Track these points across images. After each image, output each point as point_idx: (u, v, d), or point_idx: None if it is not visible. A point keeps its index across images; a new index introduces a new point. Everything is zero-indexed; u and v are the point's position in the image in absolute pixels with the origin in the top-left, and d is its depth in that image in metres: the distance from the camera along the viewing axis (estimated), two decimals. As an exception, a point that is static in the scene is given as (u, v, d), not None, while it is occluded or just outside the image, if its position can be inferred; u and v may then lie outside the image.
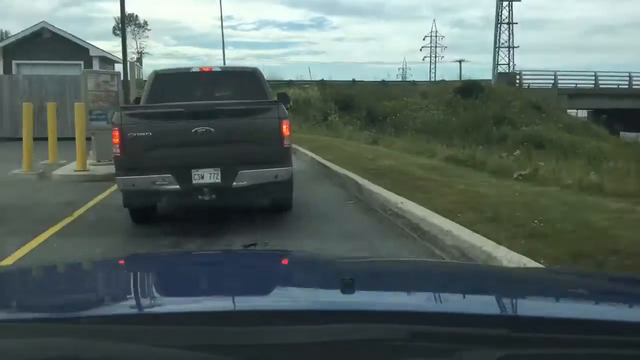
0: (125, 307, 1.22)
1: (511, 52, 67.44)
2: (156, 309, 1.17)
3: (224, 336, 0.93)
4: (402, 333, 0.92)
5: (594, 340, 0.95)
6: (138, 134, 5.71)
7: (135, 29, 55.45)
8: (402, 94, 34.88)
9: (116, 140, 5.73)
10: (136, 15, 55.07)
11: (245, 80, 7.39)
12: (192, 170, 5.69)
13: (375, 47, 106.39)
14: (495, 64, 65.75)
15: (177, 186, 5.68)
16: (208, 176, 5.74)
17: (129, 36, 53.67)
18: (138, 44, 54.72)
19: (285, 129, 5.95)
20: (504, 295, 1.33)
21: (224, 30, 67.80)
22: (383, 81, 37.90)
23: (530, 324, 0.99)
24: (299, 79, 37.81)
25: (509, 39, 68.85)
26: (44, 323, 0.98)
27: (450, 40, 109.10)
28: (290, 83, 35.44)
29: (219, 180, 5.75)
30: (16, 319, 1.06)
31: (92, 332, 0.92)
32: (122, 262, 1.91)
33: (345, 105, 31.94)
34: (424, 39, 74.86)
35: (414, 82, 39.11)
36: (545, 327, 0.97)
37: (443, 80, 38.27)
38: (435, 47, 69.20)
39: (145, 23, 55.89)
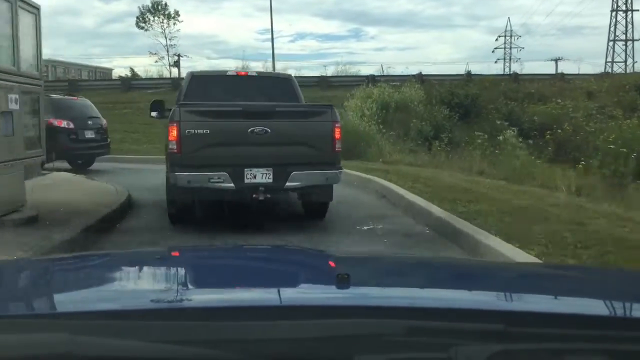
0: (122, 302, 1.17)
1: (630, 45, 52.67)
2: (151, 305, 1.11)
3: (219, 331, 0.91)
4: (398, 328, 0.91)
5: (590, 335, 0.94)
6: (196, 131, 5.59)
7: (164, 19, 40.83)
8: (547, 92, 22.25)
9: (174, 136, 5.60)
10: (165, 3, 41.25)
11: (280, 86, 7.20)
12: (245, 170, 5.63)
13: (416, 56, 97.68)
14: (608, 60, 51.31)
15: (232, 184, 5.60)
16: (260, 176, 5.68)
17: (154, 27, 40.48)
18: (168, 40, 40.39)
19: (337, 132, 5.95)
20: (500, 290, 1.32)
21: (262, 44, 60.31)
22: (514, 74, 25.23)
23: (526, 318, 0.98)
24: (383, 73, 26.00)
25: (627, 30, 53.97)
26: (39, 319, 0.97)
27: (490, 47, 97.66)
28: (372, 79, 23.47)
29: (270, 180, 5.70)
30: (11, 315, 1.03)
31: (88, 327, 0.90)
32: (118, 257, 1.89)
33: (465, 112, 19.75)
34: (496, 39, 61.15)
35: (562, 75, 25.83)
36: (541, 322, 0.96)
37: (606, 73, 25.14)
38: (510, 48, 54.73)
39: (177, 14, 41.38)
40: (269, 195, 5.72)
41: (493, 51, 53.79)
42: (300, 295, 1.20)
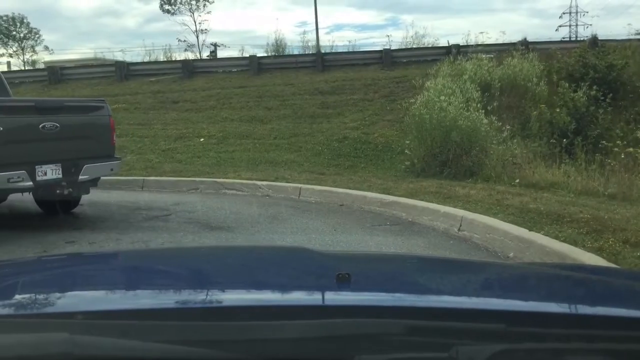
0: (122, 302, 1.17)
1: None
2: (151, 305, 1.11)
3: (218, 331, 0.91)
4: (398, 328, 0.91)
5: (590, 335, 0.93)
6: None
7: (192, 1, 33.50)
8: None
9: None
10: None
11: None
12: (36, 167, 5.53)
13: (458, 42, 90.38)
14: None
15: (30, 183, 5.50)
16: (51, 172, 5.66)
17: (181, 9, 33.58)
18: (197, 24, 32.68)
19: (113, 125, 6.30)
20: (500, 289, 1.32)
21: (300, 36, 54.79)
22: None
23: (526, 318, 0.98)
24: (467, 42, 19.17)
25: None
26: (39, 318, 0.96)
27: (534, 30, 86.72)
28: (457, 49, 16.90)
29: (60, 176, 5.72)
30: (11, 314, 1.03)
31: (88, 327, 0.90)
32: (117, 257, 1.88)
33: (610, 91, 12.93)
34: (560, 17, 51.71)
35: None
36: (541, 322, 0.95)
37: None
38: (577, 25, 45.42)
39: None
40: (71, 190, 5.82)
41: (557, 30, 45.05)
42: (300, 295, 1.20)
